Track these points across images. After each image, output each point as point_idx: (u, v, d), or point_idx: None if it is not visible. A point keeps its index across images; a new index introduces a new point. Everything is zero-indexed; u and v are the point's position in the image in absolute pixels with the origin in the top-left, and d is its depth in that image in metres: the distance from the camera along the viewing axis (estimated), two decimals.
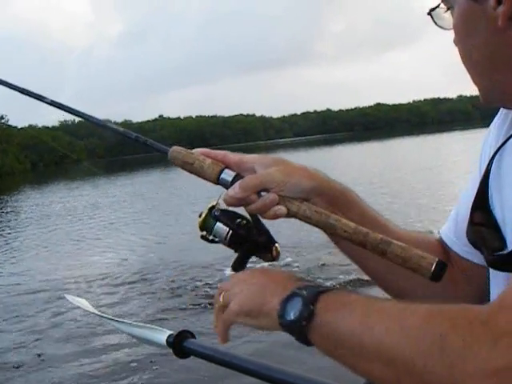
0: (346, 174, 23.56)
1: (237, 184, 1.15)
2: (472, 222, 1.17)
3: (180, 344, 1.71)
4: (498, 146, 1.16)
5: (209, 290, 8.77)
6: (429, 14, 1.15)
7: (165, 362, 6.13)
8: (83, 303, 2.24)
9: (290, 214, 1.14)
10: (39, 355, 6.93)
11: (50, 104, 1.40)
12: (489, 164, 1.17)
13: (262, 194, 1.14)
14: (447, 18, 1.13)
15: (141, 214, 19.81)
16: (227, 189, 1.16)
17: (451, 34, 1.15)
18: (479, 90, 1.12)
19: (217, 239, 1.19)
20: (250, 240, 1.17)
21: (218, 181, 1.19)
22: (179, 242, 13.18)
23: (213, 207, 1.19)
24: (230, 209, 1.19)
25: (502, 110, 1.22)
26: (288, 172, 1.18)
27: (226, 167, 1.20)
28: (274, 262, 1.22)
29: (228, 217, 1.19)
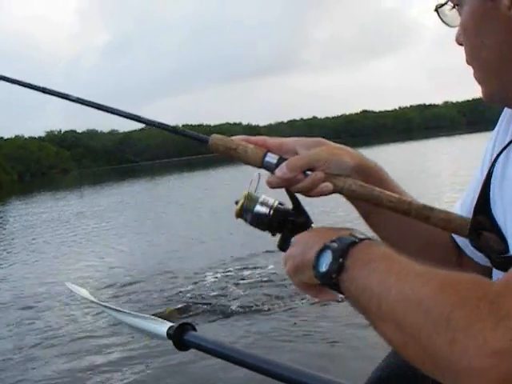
0: None
1: (283, 165, 1.19)
2: (474, 226, 1.18)
3: (180, 336, 1.71)
4: (501, 147, 1.18)
5: (208, 286, 8.84)
6: (435, 10, 1.16)
7: (164, 354, 6.14)
8: (83, 292, 2.25)
9: (335, 190, 1.20)
10: (35, 347, 6.94)
11: (76, 101, 1.43)
12: (491, 167, 1.18)
13: (308, 173, 1.19)
14: (452, 15, 1.15)
15: (131, 223, 19.78)
16: (271, 172, 1.21)
17: (453, 32, 1.15)
18: (484, 88, 1.13)
19: (254, 223, 1.23)
20: (289, 221, 1.21)
21: (262, 164, 1.23)
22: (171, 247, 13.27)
23: (247, 195, 1.24)
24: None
25: (505, 110, 1.23)
26: (331, 151, 1.24)
27: (269, 151, 1.24)
28: None
29: (266, 202, 1.24)
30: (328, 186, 1.19)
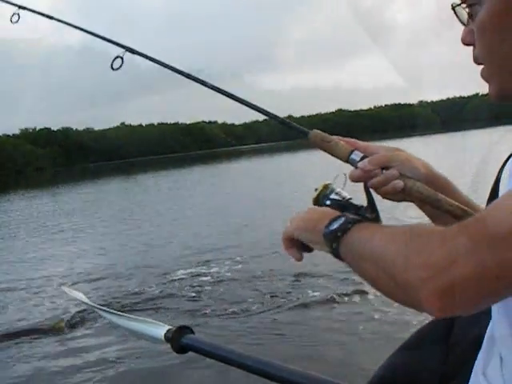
0: (303, 180, 23.76)
1: (366, 159, 1.40)
2: None
3: (178, 339, 1.70)
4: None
5: (206, 286, 8.80)
6: (453, 9, 1.20)
7: (162, 357, 6.09)
8: (79, 296, 2.23)
9: (405, 190, 1.37)
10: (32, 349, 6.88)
11: (211, 88, 1.70)
12: (500, 169, 1.22)
13: (384, 172, 1.37)
14: (464, 14, 1.19)
15: (100, 222, 19.66)
16: (355, 167, 1.41)
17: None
18: (495, 86, 1.17)
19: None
20: (360, 215, 1.32)
21: (347, 159, 1.45)
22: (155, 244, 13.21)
23: (326, 185, 1.41)
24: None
25: None
26: (407, 156, 1.43)
27: (356, 149, 1.45)
28: None
29: (341, 193, 1.42)
30: (399, 183, 1.36)
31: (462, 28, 1.22)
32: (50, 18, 2.43)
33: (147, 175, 54.01)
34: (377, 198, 1.39)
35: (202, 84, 1.72)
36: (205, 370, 5.61)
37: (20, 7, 2.47)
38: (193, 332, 1.72)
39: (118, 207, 24.87)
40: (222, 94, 1.70)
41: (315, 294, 7.93)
